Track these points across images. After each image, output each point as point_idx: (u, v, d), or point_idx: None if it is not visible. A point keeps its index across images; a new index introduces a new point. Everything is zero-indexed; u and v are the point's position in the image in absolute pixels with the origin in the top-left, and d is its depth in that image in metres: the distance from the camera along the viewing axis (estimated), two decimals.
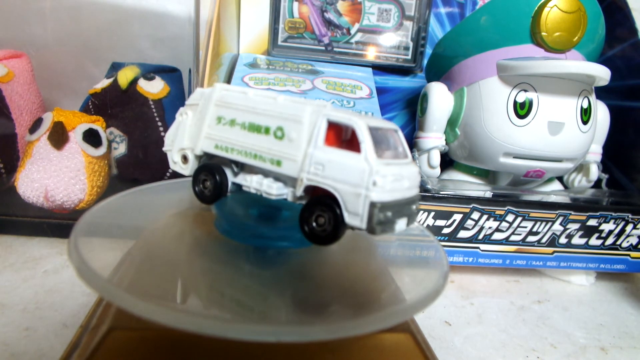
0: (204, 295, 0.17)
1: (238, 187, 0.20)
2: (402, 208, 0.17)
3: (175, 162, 0.22)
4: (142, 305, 0.13)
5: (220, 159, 0.20)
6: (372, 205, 0.16)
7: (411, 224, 0.18)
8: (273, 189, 0.18)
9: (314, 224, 0.17)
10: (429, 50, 0.50)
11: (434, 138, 0.40)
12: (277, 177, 0.18)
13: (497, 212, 0.34)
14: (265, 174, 0.19)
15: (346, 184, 0.16)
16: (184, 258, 0.19)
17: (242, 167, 0.20)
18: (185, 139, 0.22)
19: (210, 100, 0.21)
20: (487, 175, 0.40)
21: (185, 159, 0.22)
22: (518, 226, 0.35)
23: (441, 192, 0.35)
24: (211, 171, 0.20)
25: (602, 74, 0.33)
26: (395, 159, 0.17)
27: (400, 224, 0.17)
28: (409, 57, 0.50)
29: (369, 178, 0.16)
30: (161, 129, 0.37)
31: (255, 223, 0.20)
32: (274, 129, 0.18)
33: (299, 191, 0.17)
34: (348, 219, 0.16)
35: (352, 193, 0.16)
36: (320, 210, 0.17)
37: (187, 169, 0.22)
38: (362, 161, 0.16)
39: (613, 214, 0.36)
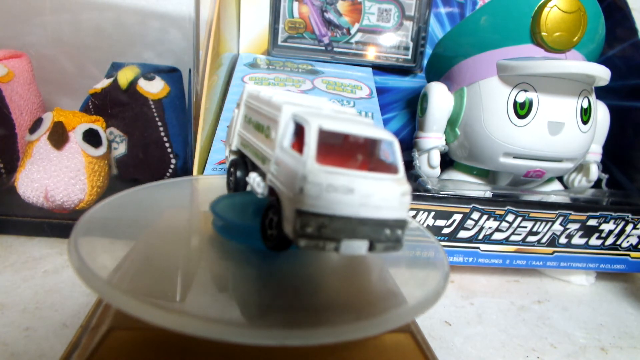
0: (204, 296, 0.17)
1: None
2: (355, 227, 0.15)
3: (226, 155, 0.24)
4: (142, 308, 0.13)
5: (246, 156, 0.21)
6: (297, 213, 0.14)
7: (385, 250, 0.16)
8: (260, 188, 0.18)
9: (267, 228, 0.17)
10: (429, 50, 0.50)
11: (434, 138, 0.40)
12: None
13: (497, 212, 0.34)
14: (261, 172, 0.19)
15: (285, 187, 0.15)
16: (184, 258, 0.19)
17: (253, 165, 0.20)
18: (229, 135, 0.23)
19: (242, 99, 0.22)
20: (487, 175, 0.40)
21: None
22: (518, 226, 0.35)
23: (441, 192, 0.35)
24: (235, 166, 0.21)
25: (602, 74, 0.33)
26: (353, 170, 0.15)
27: (351, 245, 0.15)
28: (409, 57, 0.50)
29: (299, 183, 0.14)
30: (161, 129, 0.37)
31: (252, 223, 0.20)
32: (265, 128, 0.18)
33: (265, 191, 0.17)
34: (284, 225, 0.15)
35: (287, 197, 0.15)
36: (271, 213, 0.16)
37: (228, 162, 0.23)
38: (300, 164, 0.15)
39: (613, 214, 0.36)
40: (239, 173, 0.21)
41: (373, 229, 0.15)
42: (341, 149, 0.15)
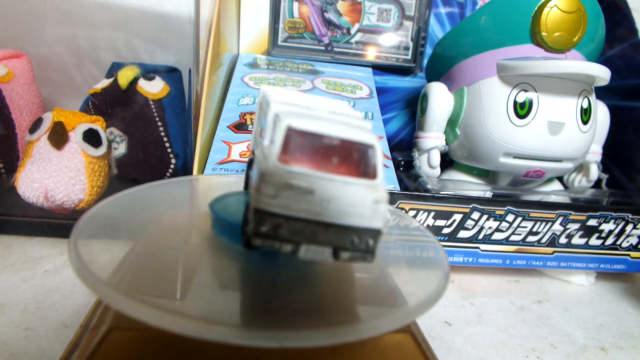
0: (204, 297, 0.17)
1: None
2: (315, 232, 0.14)
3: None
4: (141, 309, 0.13)
5: None
6: (254, 211, 0.14)
7: (352, 260, 0.15)
8: None
9: (244, 224, 0.17)
10: (429, 50, 0.50)
11: (434, 138, 0.40)
12: None
13: (497, 212, 0.34)
14: None
15: (252, 186, 0.15)
16: (184, 259, 0.19)
17: None
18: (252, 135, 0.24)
19: (258, 100, 0.22)
20: (487, 175, 0.40)
21: None
22: (518, 226, 0.35)
23: (441, 192, 0.35)
24: (249, 166, 0.22)
25: (602, 74, 0.33)
26: (316, 171, 0.14)
27: (311, 250, 0.14)
28: (409, 57, 0.50)
29: (258, 181, 0.14)
30: (161, 129, 0.37)
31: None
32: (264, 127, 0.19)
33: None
34: (248, 222, 0.15)
35: (251, 196, 0.15)
36: (246, 211, 0.16)
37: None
38: (263, 162, 0.14)
39: (613, 214, 0.36)
40: (250, 172, 0.21)
41: (337, 236, 0.14)
42: (318, 151, 0.15)
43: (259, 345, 0.12)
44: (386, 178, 0.34)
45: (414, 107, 0.46)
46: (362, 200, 0.14)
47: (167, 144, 0.37)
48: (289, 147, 0.14)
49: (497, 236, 0.35)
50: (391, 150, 0.38)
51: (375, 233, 0.15)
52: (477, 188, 0.38)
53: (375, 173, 0.15)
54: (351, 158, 0.15)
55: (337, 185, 0.14)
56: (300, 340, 0.13)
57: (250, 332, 0.12)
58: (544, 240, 0.36)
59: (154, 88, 0.38)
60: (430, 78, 0.45)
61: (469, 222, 0.34)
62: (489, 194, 0.36)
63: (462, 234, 0.35)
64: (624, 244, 0.37)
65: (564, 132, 0.35)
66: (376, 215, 0.15)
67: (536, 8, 0.34)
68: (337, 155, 0.15)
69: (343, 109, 0.19)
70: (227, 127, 0.37)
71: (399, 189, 0.33)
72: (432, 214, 0.34)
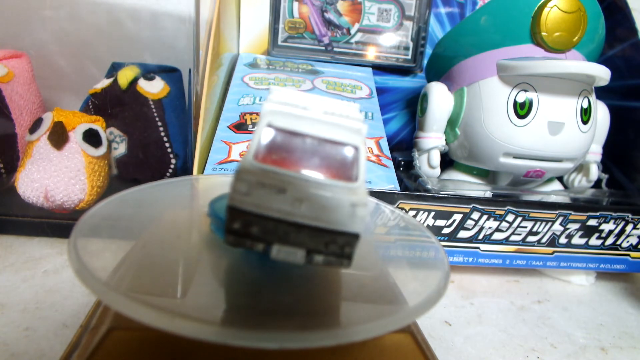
0: (204, 297, 0.17)
1: None
2: (287, 232, 0.14)
3: None
4: (141, 310, 0.13)
5: None
6: (228, 208, 0.14)
7: (326, 264, 0.14)
8: None
9: None
10: (429, 50, 0.50)
11: (434, 138, 0.40)
12: None
13: (497, 212, 0.34)
14: None
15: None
16: (184, 259, 0.19)
17: None
18: None
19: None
20: (487, 175, 0.40)
21: None
22: (518, 226, 0.35)
23: (441, 192, 0.35)
24: None
25: (602, 74, 0.33)
26: (291, 171, 0.14)
27: (284, 251, 0.14)
28: (409, 57, 0.50)
29: (233, 178, 0.14)
30: (161, 129, 0.37)
31: None
32: None
33: None
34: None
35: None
36: None
37: None
38: (241, 160, 0.14)
39: (613, 214, 0.36)
40: None
41: (311, 238, 0.14)
42: (297, 150, 0.15)
43: (259, 346, 0.12)
44: (386, 178, 0.34)
45: (414, 107, 0.46)
46: (338, 202, 0.14)
47: (167, 144, 0.37)
48: (266, 145, 0.14)
49: (497, 236, 0.35)
50: (391, 150, 0.38)
51: (352, 238, 0.14)
52: (477, 188, 0.38)
53: (355, 175, 0.15)
54: (332, 159, 0.15)
55: (312, 186, 0.14)
56: (301, 341, 0.13)
57: (250, 332, 0.12)
58: (544, 240, 0.36)
59: (154, 88, 0.38)
60: (430, 78, 0.45)
61: (469, 222, 0.34)
62: (489, 194, 0.36)
63: (462, 234, 0.35)
64: (624, 244, 0.37)
65: (564, 132, 0.35)
66: (353, 219, 0.14)
67: (536, 8, 0.34)
68: (318, 155, 0.14)
69: (343, 110, 0.19)
70: (227, 127, 0.37)
71: (399, 189, 0.33)
72: (432, 214, 0.34)
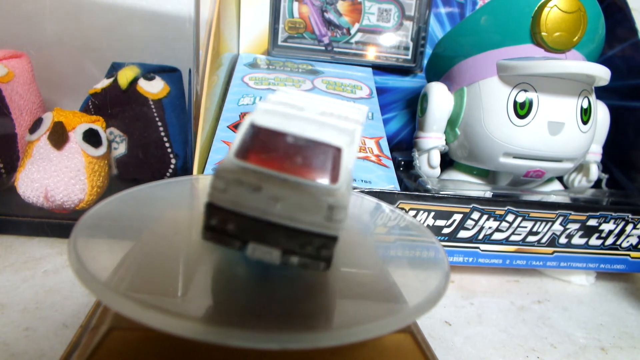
0: (204, 298, 0.17)
1: None
2: (263, 231, 0.14)
3: None
4: (140, 311, 0.13)
5: None
6: (206, 205, 0.14)
7: (302, 266, 0.14)
8: None
9: None
10: (429, 50, 0.50)
11: (434, 138, 0.40)
12: None
13: (497, 212, 0.34)
14: None
15: None
16: (184, 259, 0.19)
17: None
18: None
19: None
20: (487, 175, 0.40)
21: None
22: (518, 226, 0.35)
23: (441, 192, 0.35)
24: None
25: (602, 74, 0.33)
26: (268, 169, 0.14)
27: (259, 250, 0.14)
28: (409, 57, 0.50)
29: (213, 175, 0.14)
30: (161, 129, 0.37)
31: None
32: None
33: None
34: None
35: None
36: None
37: None
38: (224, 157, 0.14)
39: (613, 214, 0.36)
40: None
41: (286, 238, 0.14)
42: (279, 149, 0.14)
43: (260, 347, 0.12)
44: (386, 178, 0.34)
45: (414, 107, 0.46)
46: (315, 204, 0.14)
47: (167, 144, 0.37)
48: (248, 143, 0.14)
49: (497, 236, 0.35)
50: (391, 150, 0.38)
51: (329, 241, 0.14)
52: (477, 188, 0.38)
53: (335, 177, 0.14)
54: (313, 159, 0.14)
55: (288, 185, 0.14)
56: (301, 342, 0.13)
57: (250, 333, 0.12)
58: (544, 240, 0.36)
59: (154, 88, 0.38)
60: (430, 78, 0.45)
61: (469, 222, 0.34)
62: (489, 194, 0.36)
63: (462, 234, 0.35)
64: (624, 244, 0.37)
65: (564, 132, 0.35)
66: (330, 221, 0.14)
67: (536, 8, 0.34)
68: (300, 155, 0.14)
69: (343, 111, 0.18)
70: (227, 127, 0.37)
71: (399, 189, 0.33)
72: (432, 214, 0.34)
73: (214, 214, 0.14)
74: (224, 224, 0.14)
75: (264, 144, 0.14)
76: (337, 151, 0.14)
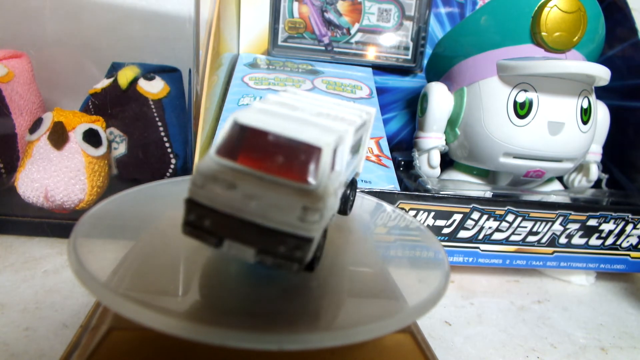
0: (204, 299, 0.17)
1: None
2: (238, 229, 0.14)
3: None
4: (139, 312, 0.13)
5: None
6: (185, 200, 0.14)
7: (275, 266, 0.14)
8: None
9: None
10: (429, 50, 0.50)
11: (434, 138, 0.40)
12: None
13: (497, 212, 0.34)
14: None
15: None
16: (183, 260, 0.19)
17: None
18: None
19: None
20: (487, 175, 0.40)
21: None
22: (518, 226, 0.35)
23: (441, 192, 0.35)
24: None
25: (602, 74, 0.33)
26: (244, 166, 0.14)
27: (235, 247, 0.14)
28: (409, 57, 0.50)
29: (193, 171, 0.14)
30: (161, 129, 0.37)
31: None
32: None
33: None
34: None
35: None
36: None
37: None
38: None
39: (613, 214, 0.36)
40: None
41: (261, 237, 0.14)
42: (261, 147, 0.14)
43: (258, 348, 0.12)
44: (386, 178, 0.34)
45: (414, 107, 0.46)
46: (289, 204, 0.13)
47: (167, 144, 0.37)
48: (229, 140, 0.14)
49: (497, 236, 0.35)
50: (391, 150, 0.38)
51: (302, 242, 0.14)
52: (477, 188, 0.38)
53: (313, 177, 0.14)
54: (293, 159, 0.14)
55: (263, 184, 0.14)
56: (300, 343, 0.13)
57: (249, 334, 0.12)
58: (544, 240, 0.36)
59: (154, 88, 0.38)
60: (430, 78, 0.45)
61: (469, 222, 0.34)
62: (489, 194, 0.36)
63: (462, 234, 0.35)
64: (624, 244, 0.37)
65: (564, 132, 0.35)
66: (304, 222, 0.13)
67: (536, 8, 0.34)
68: (280, 154, 0.14)
69: (340, 112, 0.18)
70: None
71: (399, 189, 0.33)
72: (432, 214, 0.34)
73: (192, 210, 0.14)
74: (201, 220, 0.14)
75: (245, 142, 0.14)
76: (317, 151, 0.14)
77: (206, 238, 0.14)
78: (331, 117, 0.17)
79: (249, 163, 0.14)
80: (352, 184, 0.22)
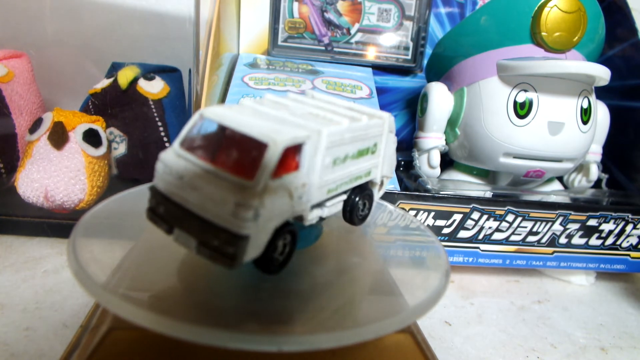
0: (203, 299, 0.17)
1: None
2: (183, 218, 0.14)
3: None
4: (138, 313, 0.13)
5: None
6: (149, 187, 0.16)
7: (210, 259, 0.14)
8: None
9: None
10: (429, 50, 0.50)
11: (434, 138, 0.40)
12: None
13: (497, 212, 0.34)
14: None
15: None
16: (183, 261, 0.19)
17: None
18: None
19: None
20: (487, 175, 0.40)
21: None
22: (518, 226, 0.35)
23: (441, 192, 0.35)
24: None
25: (602, 74, 0.33)
26: (195, 158, 0.14)
27: (181, 236, 0.14)
28: (409, 57, 0.50)
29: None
30: (161, 129, 0.37)
31: None
32: None
33: None
34: None
35: None
36: None
37: None
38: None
39: (613, 214, 0.36)
40: None
41: (200, 228, 0.14)
42: (220, 141, 0.15)
43: (258, 349, 0.12)
44: None
45: (414, 107, 0.46)
46: (222, 197, 0.13)
47: (167, 144, 0.37)
48: (191, 133, 0.15)
49: (497, 236, 0.35)
50: None
51: (235, 238, 0.13)
52: (477, 188, 0.38)
53: (252, 174, 0.13)
54: (245, 154, 0.14)
55: (205, 176, 0.14)
56: (299, 344, 0.13)
57: (248, 335, 0.12)
58: (544, 240, 0.36)
59: (154, 88, 0.38)
60: (430, 78, 0.45)
61: (469, 222, 0.34)
62: (489, 194, 0.36)
63: (462, 234, 0.35)
64: (624, 244, 0.37)
65: (564, 132, 0.35)
66: (236, 219, 0.13)
67: (536, 8, 0.34)
68: (236, 149, 0.14)
69: (335, 114, 0.17)
70: None
71: (399, 189, 0.33)
72: (432, 214, 0.34)
73: (153, 196, 0.15)
74: (158, 207, 0.15)
75: (205, 136, 0.15)
76: (263, 147, 0.14)
77: (160, 224, 0.15)
78: (319, 118, 0.17)
79: (203, 156, 0.15)
80: (360, 190, 0.19)
